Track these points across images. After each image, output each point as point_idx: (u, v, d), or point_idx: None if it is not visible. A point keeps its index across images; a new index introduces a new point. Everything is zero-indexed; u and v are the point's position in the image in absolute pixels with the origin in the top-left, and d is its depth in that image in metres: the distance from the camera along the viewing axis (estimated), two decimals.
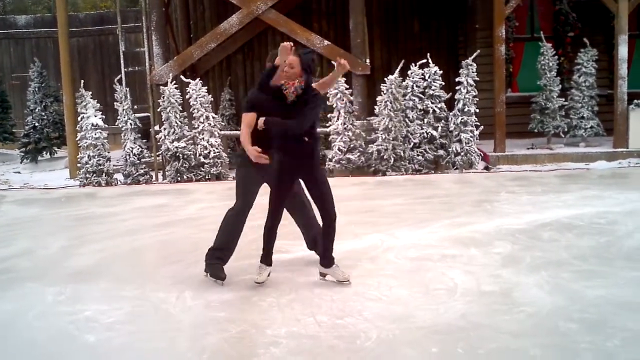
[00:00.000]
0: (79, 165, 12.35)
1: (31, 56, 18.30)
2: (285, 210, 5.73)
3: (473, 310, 4.86)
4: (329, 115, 11.98)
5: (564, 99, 12.77)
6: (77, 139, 12.41)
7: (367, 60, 12.50)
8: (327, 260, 5.60)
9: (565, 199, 8.78)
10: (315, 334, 4.56)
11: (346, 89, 11.66)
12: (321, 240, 5.66)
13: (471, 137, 11.55)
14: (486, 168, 11.99)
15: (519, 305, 4.91)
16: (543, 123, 12.78)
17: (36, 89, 15.96)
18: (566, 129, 12.72)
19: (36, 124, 15.84)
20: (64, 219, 9.34)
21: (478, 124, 11.66)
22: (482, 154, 12.12)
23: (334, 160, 11.74)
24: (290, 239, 6.58)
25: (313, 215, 5.98)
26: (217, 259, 5.79)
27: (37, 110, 15.93)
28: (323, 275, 5.68)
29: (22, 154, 15.99)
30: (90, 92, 12.47)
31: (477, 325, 4.59)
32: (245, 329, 4.71)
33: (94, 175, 12.10)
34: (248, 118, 5.45)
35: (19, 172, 15.30)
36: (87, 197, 11.07)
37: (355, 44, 12.52)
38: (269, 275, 5.60)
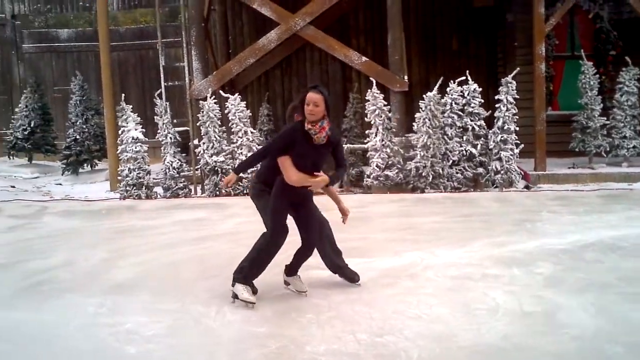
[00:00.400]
0: (119, 178, 12.48)
1: (73, 70, 18.58)
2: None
3: (515, 331, 4.78)
4: (367, 132, 11.96)
5: (605, 118, 12.61)
6: (118, 152, 12.55)
7: (405, 77, 12.47)
8: (292, 270, 5.82)
9: (608, 219, 8.64)
10: (354, 351, 4.53)
11: (384, 105, 11.64)
12: (295, 258, 5.78)
13: (511, 155, 11.44)
14: (526, 187, 11.87)
15: (562, 327, 4.83)
16: (584, 142, 12.63)
17: (78, 102, 16.20)
18: (608, 149, 12.56)
19: (77, 137, 16.06)
20: (104, 231, 9.43)
21: (518, 142, 11.55)
22: (523, 173, 12.00)
23: (372, 176, 11.71)
24: None
25: (326, 242, 6.00)
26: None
27: (78, 123, 16.16)
28: (287, 283, 5.91)
29: (64, 166, 16.21)
30: (131, 106, 12.60)
31: (519, 347, 4.52)
32: (285, 344, 4.69)
33: (134, 188, 12.21)
34: (288, 160, 5.42)
35: (61, 184, 15.52)
36: (127, 209, 11.17)
37: (393, 60, 12.50)
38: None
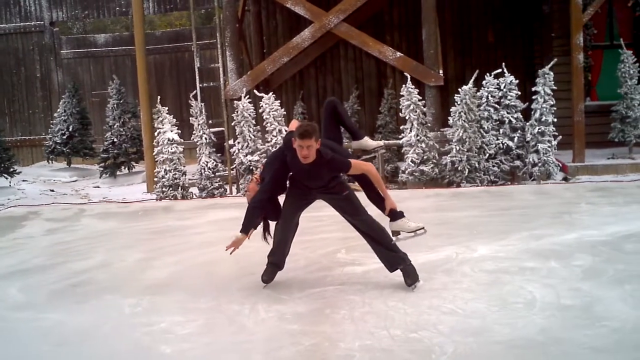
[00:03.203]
0: (155, 179, 12.58)
1: (110, 74, 18.80)
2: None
3: (553, 325, 4.69)
4: (401, 127, 11.89)
5: None
6: (154, 153, 12.64)
7: (441, 71, 12.36)
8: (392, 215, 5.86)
9: None
10: (388, 347, 4.49)
11: (419, 100, 11.55)
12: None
13: (549, 147, 11.25)
14: (565, 179, 11.68)
15: (601, 320, 4.73)
16: (624, 132, 12.37)
17: (115, 106, 16.39)
18: None
19: (115, 140, 16.24)
20: (140, 232, 9.51)
21: (556, 133, 11.37)
22: (561, 165, 11.80)
23: (407, 172, 11.62)
24: (361, 251, 6.53)
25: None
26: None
27: (115, 126, 16.34)
28: (395, 234, 5.88)
29: (101, 169, 16.41)
30: (167, 108, 12.67)
31: (557, 340, 4.43)
32: (319, 342, 4.67)
33: (170, 189, 12.29)
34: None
35: (98, 187, 15.71)
36: (163, 210, 11.25)
37: (428, 55, 12.40)
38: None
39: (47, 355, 4.86)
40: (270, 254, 6.01)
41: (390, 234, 5.83)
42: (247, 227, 5.66)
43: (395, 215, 5.83)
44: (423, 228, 5.86)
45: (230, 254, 5.57)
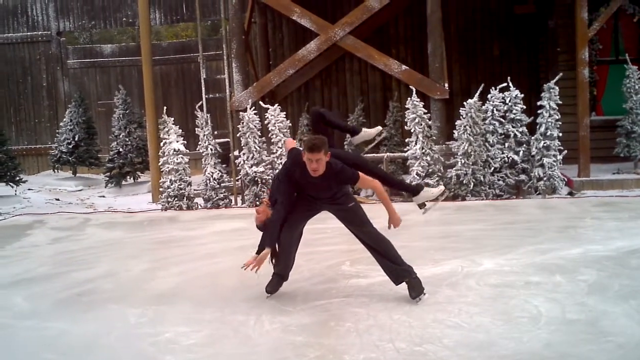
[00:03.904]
0: (161, 189, 12.59)
1: (116, 84, 18.84)
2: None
3: (558, 340, 4.69)
4: (407, 140, 11.90)
5: None
6: (160, 164, 12.66)
7: (446, 85, 12.39)
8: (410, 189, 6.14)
9: None
10: None
11: (424, 113, 11.56)
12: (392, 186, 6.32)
13: (554, 161, 11.26)
14: (570, 193, 11.68)
15: (607, 335, 4.72)
16: (629, 147, 12.38)
17: (121, 116, 16.42)
18: None
19: (120, 150, 16.27)
20: (146, 242, 9.53)
21: (562, 148, 11.38)
22: (566, 179, 11.80)
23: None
24: (366, 263, 6.53)
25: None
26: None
27: (121, 136, 16.37)
28: (422, 207, 6.13)
29: (107, 179, 16.42)
30: (173, 118, 12.71)
31: (562, 355, 4.42)
32: (323, 354, 4.67)
33: (176, 199, 12.31)
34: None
35: (104, 196, 15.73)
36: (169, 220, 11.27)
37: (434, 68, 12.43)
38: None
39: None
40: (275, 265, 6.01)
41: (419, 207, 6.11)
42: (270, 243, 5.66)
43: (415, 190, 6.07)
44: (445, 189, 6.17)
45: (256, 272, 5.52)
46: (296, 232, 5.95)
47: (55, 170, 17.89)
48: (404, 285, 5.70)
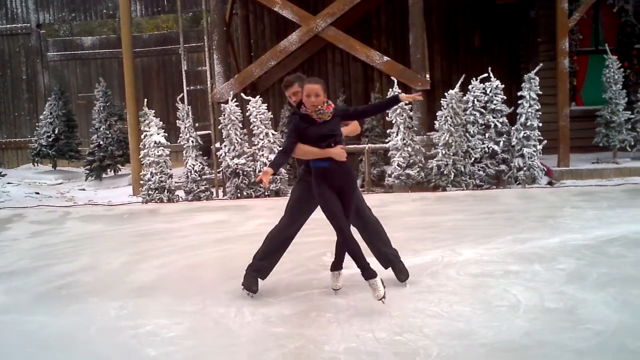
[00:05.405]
0: (141, 182, 12.55)
1: (97, 76, 18.76)
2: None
3: (536, 328, 4.72)
4: (388, 131, 11.93)
5: (630, 112, 12.44)
6: (140, 156, 12.62)
7: (427, 76, 12.43)
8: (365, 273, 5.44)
9: (633, 213, 8.52)
10: (373, 350, 4.49)
11: (406, 104, 11.58)
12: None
13: (534, 151, 11.33)
14: (549, 183, 11.75)
15: (585, 323, 4.75)
16: (608, 137, 12.47)
17: (101, 108, 16.34)
18: (633, 143, 12.39)
19: (101, 142, 16.19)
20: (126, 235, 9.48)
21: (541, 138, 11.45)
22: (546, 169, 11.88)
23: (393, 175, 11.66)
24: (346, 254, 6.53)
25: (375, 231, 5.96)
26: (255, 272, 5.82)
27: (101, 129, 16.29)
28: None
29: (87, 172, 16.35)
30: (154, 111, 12.67)
31: (540, 343, 4.45)
32: (304, 344, 4.67)
33: (156, 192, 12.27)
34: (301, 146, 5.46)
35: (84, 190, 15.65)
36: (150, 213, 11.23)
37: (415, 60, 12.46)
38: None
39: (32, 358, 4.84)
40: (260, 259, 5.89)
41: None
42: (274, 166, 5.49)
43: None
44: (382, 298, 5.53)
45: (261, 184, 5.51)
46: (300, 220, 5.86)
47: (35, 164, 17.80)
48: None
